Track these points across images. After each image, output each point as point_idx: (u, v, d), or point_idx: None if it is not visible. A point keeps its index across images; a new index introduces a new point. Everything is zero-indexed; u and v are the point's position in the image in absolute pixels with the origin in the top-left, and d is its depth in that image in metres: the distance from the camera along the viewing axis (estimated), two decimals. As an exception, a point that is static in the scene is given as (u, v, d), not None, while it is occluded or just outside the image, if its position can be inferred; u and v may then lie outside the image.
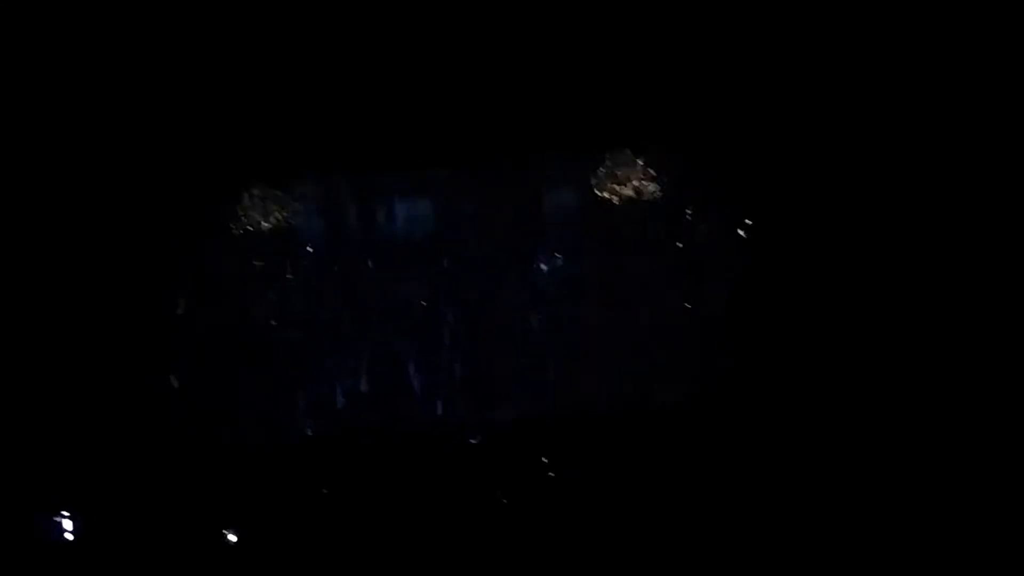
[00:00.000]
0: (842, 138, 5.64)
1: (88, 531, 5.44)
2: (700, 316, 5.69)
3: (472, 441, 5.62)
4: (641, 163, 5.80)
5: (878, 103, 5.62)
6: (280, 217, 5.83)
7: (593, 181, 5.83)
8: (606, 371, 5.69)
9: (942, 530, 5.19)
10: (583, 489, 5.51)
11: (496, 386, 5.75)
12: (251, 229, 5.81)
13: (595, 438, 5.59)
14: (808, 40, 5.65)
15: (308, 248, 5.85)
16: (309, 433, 5.67)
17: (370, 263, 5.87)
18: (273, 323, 5.78)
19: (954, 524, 5.20)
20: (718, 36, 5.72)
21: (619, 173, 5.80)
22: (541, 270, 5.83)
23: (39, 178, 5.74)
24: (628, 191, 5.80)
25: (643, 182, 5.80)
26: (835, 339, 5.52)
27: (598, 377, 5.69)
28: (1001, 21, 5.43)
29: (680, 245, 5.77)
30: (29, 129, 5.70)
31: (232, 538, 5.42)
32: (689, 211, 5.79)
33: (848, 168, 5.64)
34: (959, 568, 5.13)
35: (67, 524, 5.43)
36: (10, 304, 5.62)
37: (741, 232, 5.73)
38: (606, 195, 5.82)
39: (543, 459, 5.59)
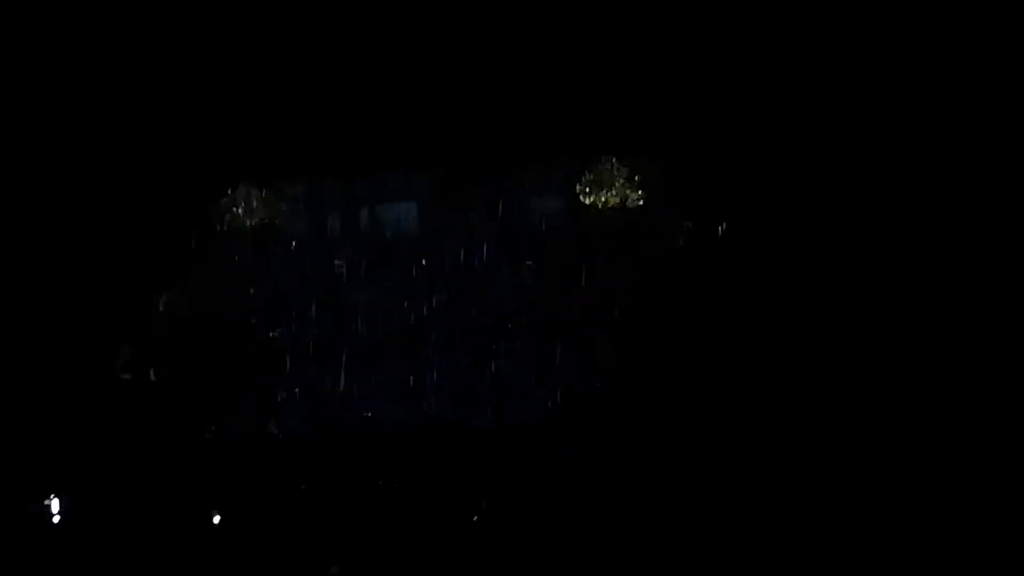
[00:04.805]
0: (823, 147, 5.70)
1: (71, 526, 5.40)
2: (682, 321, 5.69)
3: (452, 441, 5.59)
4: (625, 170, 5.84)
5: (859, 113, 5.68)
6: (265, 216, 5.85)
7: (578, 188, 5.87)
8: (589, 374, 5.68)
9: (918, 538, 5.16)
10: (567, 493, 5.47)
11: (478, 389, 5.74)
12: (236, 227, 5.82)
13: (579, 442, 5.56)
14: (789, 50, 5.72)
15: (292, 247, 5.86)
16: (289, 431, 5.64)
17: (353, 264, 5.87)
18: (255, 321, 5.76)
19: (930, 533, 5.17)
20: (700, 46, 5.79)
21: (603, 180, 5.85)
22: (525, 275, 5.84)
23: (24, 177, 5.74)
24: (612, 198, 5.84)
25: (627, 189, 5.84)
26: (817, 344, 5.53)
27: (580, 380, 5.68)
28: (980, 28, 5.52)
29: (663, 251, 5.80)
30: (16, 128, 5.72)
31: (214, 532, 5.36)
32: (672, 218, 5.82)
33: (830, 177, 5.68)
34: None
35: (54, 507, 5.40)
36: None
37: (723, 238, 5.76)
38: (590, 201, 5.86)
39: (526, 463, 5.54)
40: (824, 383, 5.48)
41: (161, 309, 5.74)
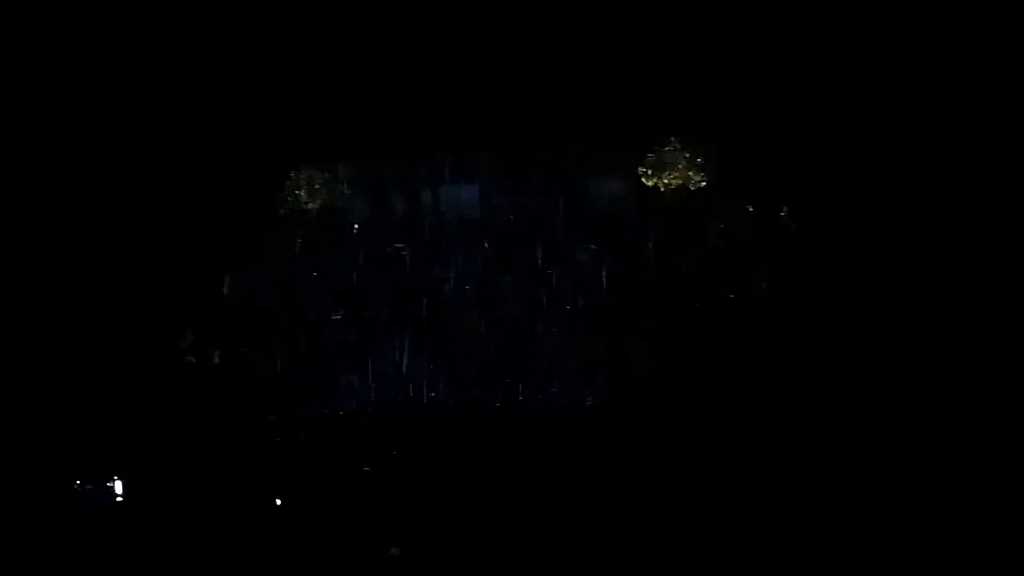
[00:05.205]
0: (887, 132, 5.61)
1: (135, 500, 5.50)
2: (744, 303, 5.64)
3: (510, 423, 5.59)
4: (688, 152, 5.79)
5: (921, 97, 5.59)
6: (326, 199, 5.86)
7: (640, 170, 5.82)
8: (652, 355, 5.65)
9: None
10: (616, 476, 5.46)
11: (537, 369, 5.73)
12: (298, 211, 5.84)
13: (642, 421, 5.54)
14: (854, 35, 5.64)
15: (353, 229, 5.87)
16: (350, 413, 5.67)
17: (414, 247, 5.87)
18: (317, 303, 5.78)
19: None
20: (763, 31, 5.72)
21: (666, 162, 5.79)
22: (586, 255, 5.81)
23: (92, 167, 5.80)
24: (675, 180, 5.79)
25: (689, 171, 5.79)
26: (879, 327, 5.45)
27: (642, 361, 5.65)
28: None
29: (726, 234, 5.74)
30: (85, 118, 5.78)
31: (275, 512, 5.40)
32: (734, 200, 5.76)
33: (893, 162, 5.60)
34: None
35: (117, 487, 5.49)
36: (58, 281, 5.67)
37: (785, 221, 5.69)
38: (653, 183, 5.81)
39: (584, 445, 5.53)
40: (887, 366, 5.41)
41: (225, 292, 5.77)
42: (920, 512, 5.10)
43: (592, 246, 5.83)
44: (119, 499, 5.49)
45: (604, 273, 5.81)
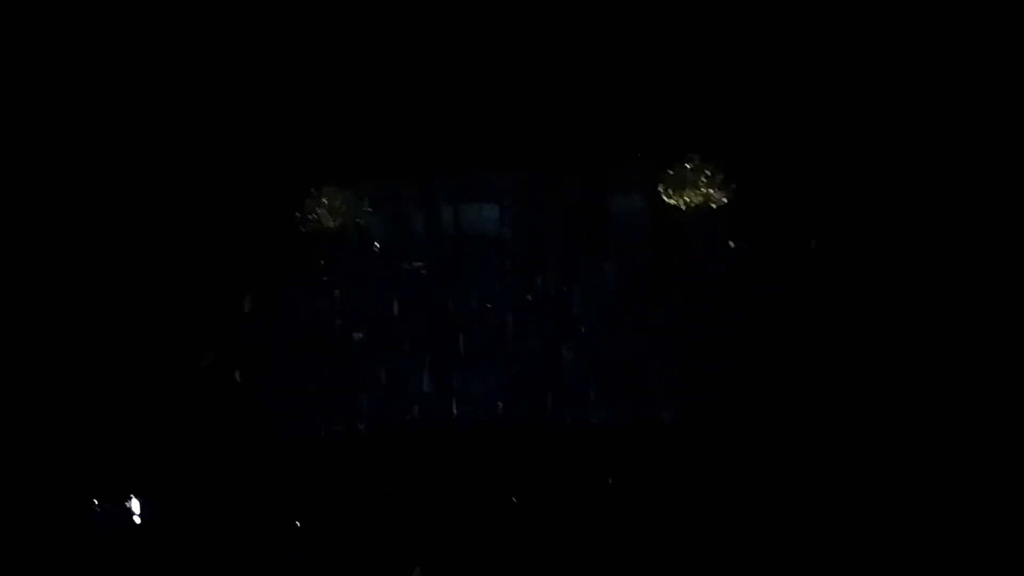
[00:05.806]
0: (910, 149, 5.61)
1: (153, 521, 5.48)
2: (765, 320, 5.62)
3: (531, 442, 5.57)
4: (709, 170, 5.78)
5: (947, 118, 5.60)
6: (348, 217, 5.86)
7: (661, 187, 5.82)
8: (673, 376, 5.63)
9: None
10: (634, 495, 5.46)
11: (558, 389, 5.70)
12: (319, 228, 5.83)
13: (659, 443, 5.52)
14: (878, 55, 5.65)
15: (375, 247, 5.86)
16: (369, 428, 5.65)
17: (435, 265, 5.86)
18: (338, 321, 5.76)
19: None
20: (787, 48, 5.74)
21: (688, 179, 5.79)
22: (607, 274, 5.80)
23: (117, 177, 5.82)
24: (696, 197, 5.78)
25: (711, 188, 5.78)
26: (898, 343, 5.44)
27: (664, 381, 5.63)
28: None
29: (747, 251, 5.73)
30: (110, 130, 5.79)
31: (293, 528, 5.37)
32: (757, 217, 5.75)
33: (915, 178, 5.60)
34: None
35: (135, 508, 5.46)
36: (79, 297, 5.66)
37: (807, 238, 5.68)
38: (674, 201, 5.80)
39: (603, 465, 5.51)
40: (910, 382, 5.40)
41: (246, 311, 5.76)
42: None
43: (613, 264, 5.81)
44: (136, 519, 5.45)
45: (624, 291, 5.80)
